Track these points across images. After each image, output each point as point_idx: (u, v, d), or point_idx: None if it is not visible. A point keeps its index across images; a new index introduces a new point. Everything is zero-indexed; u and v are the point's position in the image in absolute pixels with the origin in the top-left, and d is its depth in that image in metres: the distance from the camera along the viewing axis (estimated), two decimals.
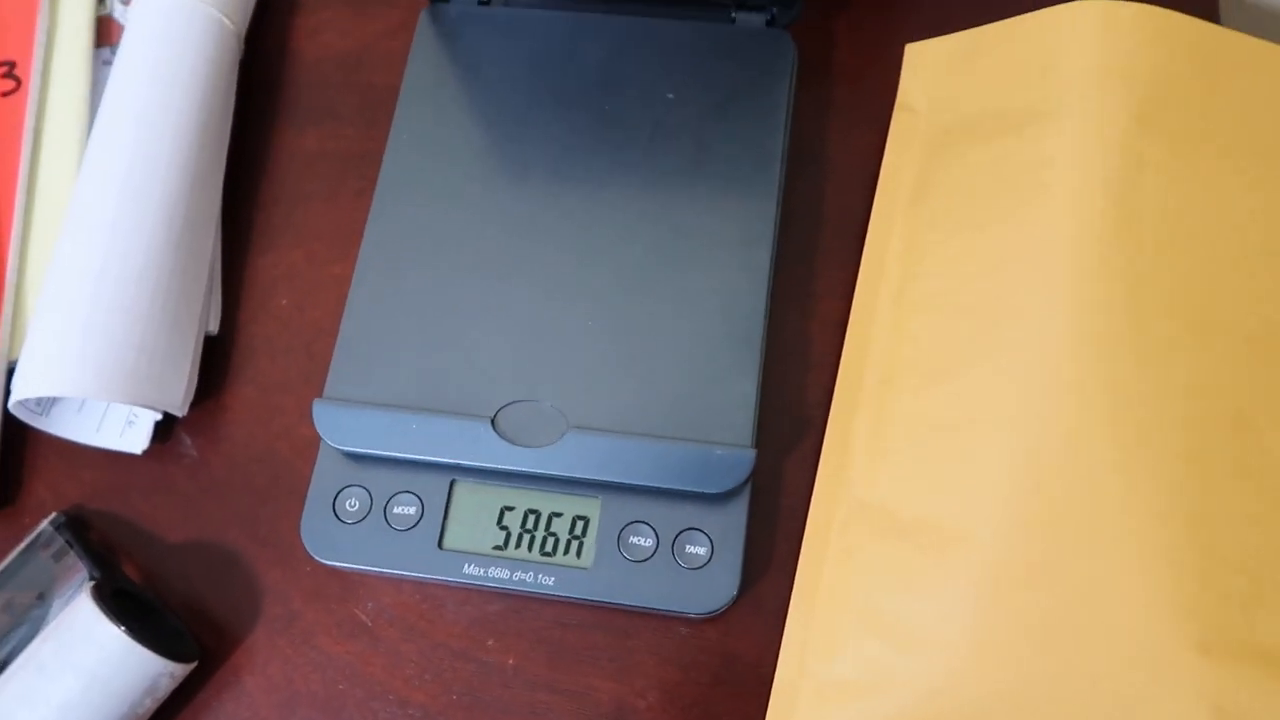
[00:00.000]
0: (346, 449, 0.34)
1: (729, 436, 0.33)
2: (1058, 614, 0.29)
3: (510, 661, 0.34)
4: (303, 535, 0.34)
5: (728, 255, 0.35)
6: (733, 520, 0.33)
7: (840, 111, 0.40)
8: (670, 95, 0.38)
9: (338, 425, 0.34)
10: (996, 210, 0.33)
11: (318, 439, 0.35)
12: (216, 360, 0.38)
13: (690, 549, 0.33)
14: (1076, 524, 0.29)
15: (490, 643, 0.34)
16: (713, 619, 0.34)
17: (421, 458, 0.33)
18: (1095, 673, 0.28)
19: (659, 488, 0.33)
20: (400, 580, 0.35)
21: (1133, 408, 0.30)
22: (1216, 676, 0.28)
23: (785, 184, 0.37)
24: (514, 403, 0.34)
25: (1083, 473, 0.29)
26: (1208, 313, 0.31)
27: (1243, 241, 0.32)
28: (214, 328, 0.38)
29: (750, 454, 0.32)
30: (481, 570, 0.33)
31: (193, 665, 0.34)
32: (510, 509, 0.34)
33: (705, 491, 0.32)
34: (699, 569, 0.33)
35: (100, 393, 0.34)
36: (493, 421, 0.34)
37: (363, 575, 0.35)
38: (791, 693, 0.32)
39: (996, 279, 0.32)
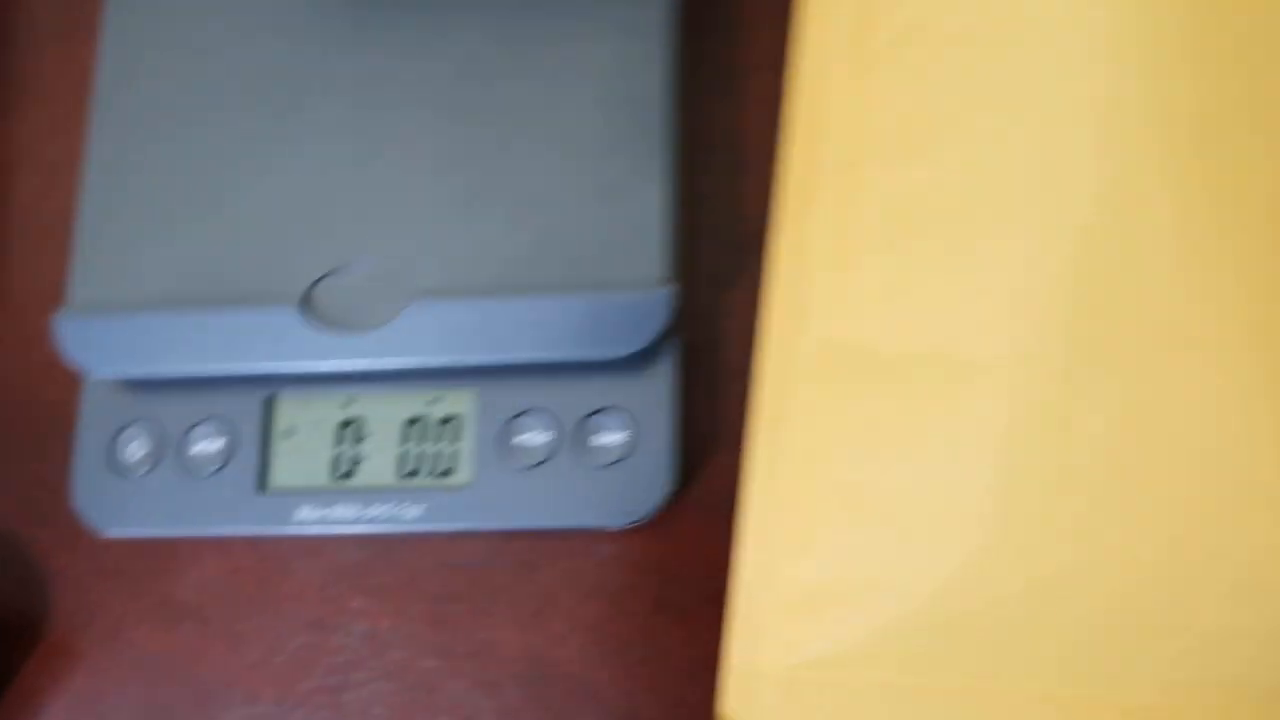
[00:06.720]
0: (109, 374, 0.24)
1: (633, 272, 0.23)
2: (1122, 460, 0.20)
3: (385, 624, 0.25)
4: (75, 501, 0.25)
5: (610, 15, 0.25)
6: (656, 389, 0.24)
7: None
8: None
9: (89, 342, 0.24)
10: None
11: None
12: None
13: (602, 438, 0.24)
14: (1136, 334, 0.20)
15: (355, 603, 0.25)
16: (643, 528, 0.25)
17: (214, 370, 0.24)
18: (1179, 535, 0.20)
19: (546, 361, 0.23)
20: (227, 541, 0.26)
21: (1195, 170, 0.20)
22: None
23: None
24: (330, 274, 0.24)
25: (1137, 262, 0.20)
26: None
27: None
28: None
29: (666, 292, 0.23)
30: (322, 511, 0.24)
31: None
32: (350, 422, 0.24)
33: (610, 356, 0.23)
34: (617, 464, 0.23)
35: None
36: (302, 304, 0.24)
37: (175, 543, 0.26)
38: (755, 609, 0.23)
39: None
